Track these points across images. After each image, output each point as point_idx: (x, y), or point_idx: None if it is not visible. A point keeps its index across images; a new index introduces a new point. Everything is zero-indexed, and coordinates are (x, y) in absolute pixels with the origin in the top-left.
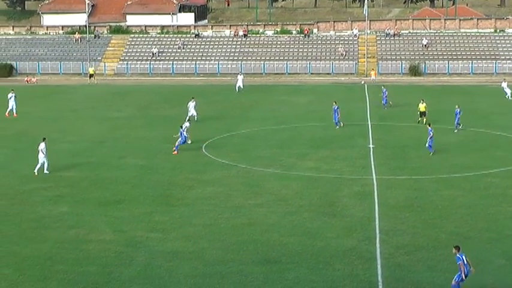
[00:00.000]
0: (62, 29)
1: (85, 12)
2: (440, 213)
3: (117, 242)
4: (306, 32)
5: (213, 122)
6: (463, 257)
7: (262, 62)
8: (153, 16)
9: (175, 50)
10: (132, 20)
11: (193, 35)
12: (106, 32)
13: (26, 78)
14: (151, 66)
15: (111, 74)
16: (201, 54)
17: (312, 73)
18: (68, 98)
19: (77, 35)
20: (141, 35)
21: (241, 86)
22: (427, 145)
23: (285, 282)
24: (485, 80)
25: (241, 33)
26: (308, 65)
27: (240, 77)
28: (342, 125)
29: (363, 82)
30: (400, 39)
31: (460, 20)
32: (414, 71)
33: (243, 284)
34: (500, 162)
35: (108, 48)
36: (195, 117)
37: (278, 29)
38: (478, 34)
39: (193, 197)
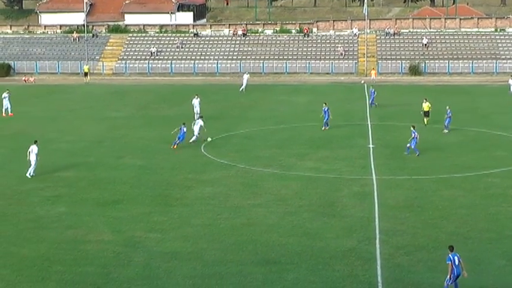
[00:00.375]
0: (60, 28)
1: (83, 11)
2: (441, 214)
3: (115, 243)
4: (305, 31)
5: (212, 121)
6: (455, 258)
7: (261, 62)
8: (152, 15)
9: (173, 50)
10: (130, 19)
11: (192, 34)
12: (104, 31)
13: (23, 78)
14: (150, 65)
15: (109, 74)
16: (199, 53)
17: (311, 73)
18: (66, 97)
19: (75, 34)
20: (139, 34)
21: (244, 86)
22: (408, 145)
23: (285, 283)
24: (486, 80)
25: (240, 32)
26: (307, 65)
27: (245, 76)
28: (327, 127)
29: (362, 82)
30: (400, 39)
31: (460, 19)
32: (414, 70)
33: (242, 285)
34: (501, 162)
35: (106, 48)
36: (196, 116)
37: (277, 28)
38: (478, 33)
39: (192, 197)
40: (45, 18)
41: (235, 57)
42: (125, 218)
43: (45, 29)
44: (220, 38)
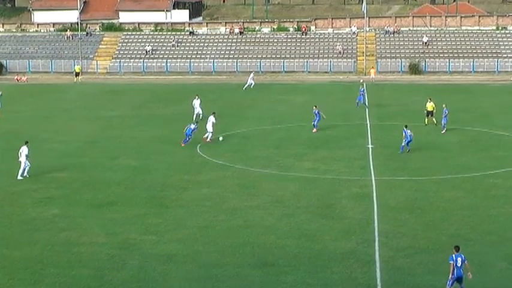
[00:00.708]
0: (53, 26)
1: (77, 9)
2: (441, 215)
3: (109, 245)
4: (303, 29)
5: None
6: (458, 259)
7: (258, 60)
8: (147, 13)
9: (169, 48)
10: (125, 17)
11: (188, 33)
12: (98, 29)
13: (15, 77)
14: (145, 64)
15: (103, 73)
16: (195, 52)
17: (309, 71)
18: (60, 97)
19: (68, 33)
20: (134, 33)
21: (248, 84)
22: (403, 144)
23: (282, 286)
24: (487, 79)
25: (237, 30)
26: (305, 64)
27: (251, 75)
28: (314, 130)
29: (361, 81)
30: (400, 37)
31: (461, 17)
32: (414, 69)
33: None
34: (503, 163)
35: (100, 46)
36: (200, 115)
37: (275, 27)
38: (479, 31)
39: (187, 198)
40: (38, 16)
41: (232, 56)
42: (120, 220)
43: (38, 27)
44: (216, 36)
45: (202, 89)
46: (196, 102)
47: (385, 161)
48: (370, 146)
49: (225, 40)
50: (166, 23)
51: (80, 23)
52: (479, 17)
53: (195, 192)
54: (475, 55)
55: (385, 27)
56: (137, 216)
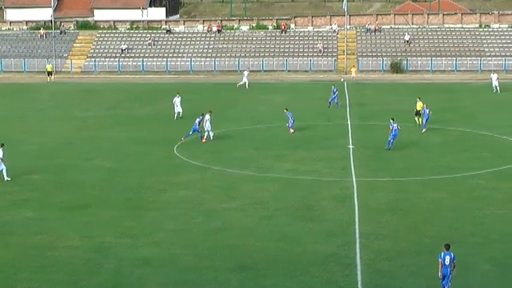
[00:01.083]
0: (26, 25)
1: (50, 7)
2: (424, 217)
3: (84, 249)
4: (282, 27)
5: (186, 121)
6: (446, 257)
7: (237, 59)
8: (122, 11)
9: (145, 47)
10: (100, 15)
11: (165, 31)
12: (73, 27)
13: None
14: (120, 63)
15: (77, 72)
16: (172, 50)
17: (289, 70)
18: (33, 96)
19: (42, 31)
20: (109, 31)
21: (246, 83)
22: (389, 139)
23: None
24: (470, 78)
25: (215, 28)
26: (285, 62)
27: (246, 73)
28: (292, 131)
29: (342, 80)
30: (381, 35)
31: (443, 14)
32: (396, 68)
33: None
34: (487, 163)
35: (74, 45)
36: (180, 114)
37: (254, 24)
38: (462, 29)
39: (164, 200)
40: (11, 14)
41: (210, 54)
42: (95, 222)
43: (10, 25)
44: (194, 34)
45: (179, 89)
46: (177, 100)
47: (367, 161)
48: (351, 146)
49: (203, 38)
50: (143, 21)
51: (54, 21)
52: (461, 14)
53: (172, 194)
54: (457, 53)
55: (366, 25)
56: (113, 219)
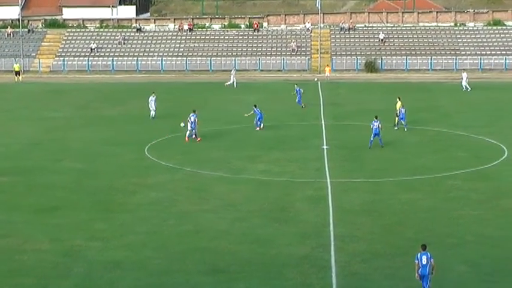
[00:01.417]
0: None
1: (18, 5)
2: (399, 218)
3: (54, 252)
4: (255, 25)
5: (157, 122)
6: (423, 257)
7: (208, 58)
8: (92, 9)
9: (115, 46)
10: (68, 13)
11: (135, 29)
12: (41, 26)
13: None
14: (90, 62)
15: (46, 71)
16: (143, 49)
17: (262, 70)
18: (0, 97)
19: (9, 30)
20: (78, 30)
21: (234, 82)
22: (371, 138)
23: None
24: (445, 77)
25: (186, 27)
26: (258, 61)
27: (233, 72)
28: (262, 126)
29: (316, 79)
30: (356, 34)
31: (418, 13)
32: (370, 67)
33: None
34: (462, 164)
35: (43, 44)
36: (151, 113)
37: (226, 23)
38: (437, 28)
39: (135, 202)
40: None
41: (181, 53)
42: (64, 225)
43: None
44: (165, 33)
45: (150, 88)
46: (152, 99)
47: (341, 162)
48: (325, 146)
49: (174, 37)
50: (112, 20)
51: (21, 20)
52: (437, 13)
53: (143, 196)
54: (432, 52)
55: (340, 24)
56: (83, 221)
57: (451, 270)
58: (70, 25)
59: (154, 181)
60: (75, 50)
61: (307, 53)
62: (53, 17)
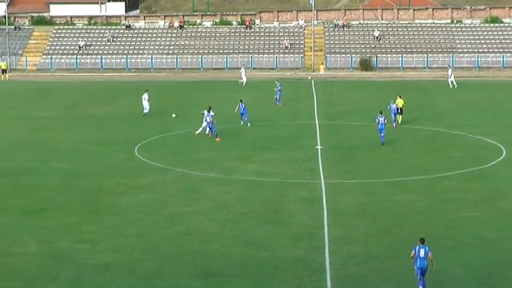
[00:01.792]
0: None
1: (4, 1)
2: (395, 220)
3: (41, 255)
4: (247, 23)
5: (147, 121)
6: (420, 250)
7: (199, 56)
8: (80, 6)
9: (104, 43)
10: (56, 10)
11: (124, 27)
12: (27, 23)
13: None
14: (78, 60)
15: (33, 70)
16: (132, 47)
17: (254, 68)
18: None
19: None
20: (66, 27)
21: (244, 80)
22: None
23: None
24: (442, 75)
25: (176, 24)
26: (250, 59)
27: (243, 70)
28: (243, 123)
29: (309, 78)
30: (350, 31)
31: (414, 10)
32: (365, 65)
33: None
34: (459, 164)
35: (30, 41)
36: (144, 111)
37: (217, 20)
38: (433, 25)
39: (125, 204)
40: None
41: (171, 51)
42: (52, 227)
43: None
44: (155, 30)
45: (140, 87)
46: (146, 97)
47: (335, 162)
48: (319, 147)
49: (164, 35)
50: (101, 17)
51: (8, 16)
52: (433, 9)
53: (132, 197)
54: (429, 50)
55: (334, 21)
56: (71, 223)
57: (447, 273)
58: (58, 22)
59: (144, 182)
60: (63, 47)
61: (301, 50)
62: (40, 14)
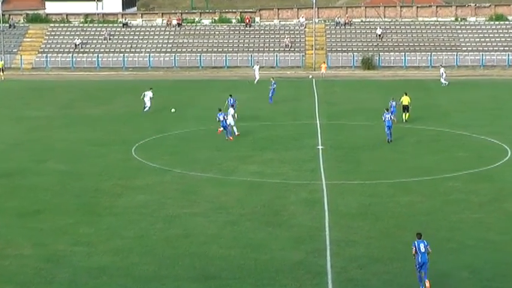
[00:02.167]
0: None
1: None
2: (397, 222)
3: (36, 257)
4: (247, 20)
5: (144, 121)
6: (420, 245)
7: (198, 55)
8: (76, 3)
9: (100, 41)
10: (51, 7)
11: (121, 24)
12: (22, 20)
13: None
14: (74, 59)
15: (28, 68)
16: (129, 45)
17: (254, 66)
18: None
19: None
20: (62, 25)
21: (257, 78)
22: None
23: None
24: (446, 74)
25: (174, 22)
26: (250, 58)
27: (256, 68)
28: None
29: (310, 77)
30: (352, 29)
31: (417, 7)
32: (367, 64)
33: None
34: (463, 165)
35: (25, 40)
36: (145, 108)
37: (216, 18)
38: (437, 23)
39: (122, 205)
40: None
41: (170, 50)
42: (48, 229)
43: None
44: (152, 28)
45: (137, 86)
46: (148, 95)
47: (337, 163)
48: (320, 147)
49: (162, 33)
50: (97, 14)
51: (2, 14)
52: (436, 7)
53: (130, 198)
54: (432, 48)
55: (336, 19)
56: (67, 225)
57: (451, 276)
58: (53, 20)
59: (142, 183)
60: (59, 46)
61: (301, 49)
62: (35, 12)
